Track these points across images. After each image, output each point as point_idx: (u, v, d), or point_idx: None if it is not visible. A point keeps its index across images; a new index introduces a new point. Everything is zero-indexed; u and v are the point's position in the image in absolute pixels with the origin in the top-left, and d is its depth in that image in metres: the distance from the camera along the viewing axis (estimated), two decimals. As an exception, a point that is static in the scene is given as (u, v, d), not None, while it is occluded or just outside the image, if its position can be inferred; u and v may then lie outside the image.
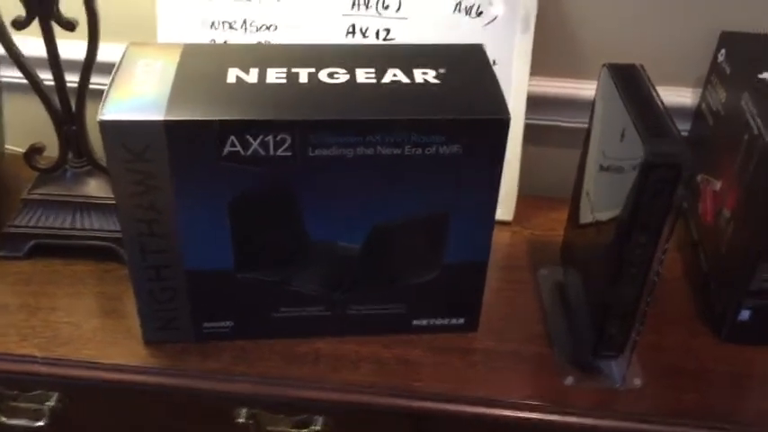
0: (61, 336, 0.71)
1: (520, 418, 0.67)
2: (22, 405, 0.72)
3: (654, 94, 0.62)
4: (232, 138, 0.58)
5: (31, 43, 0.73)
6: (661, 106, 0.61)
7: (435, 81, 0.63)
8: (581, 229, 0.74)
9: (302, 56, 0.65)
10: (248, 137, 0.58)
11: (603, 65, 0.67)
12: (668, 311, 0.76)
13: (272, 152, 0.59)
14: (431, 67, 0.64)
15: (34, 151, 0.78)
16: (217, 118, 0.58)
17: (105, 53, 0.72)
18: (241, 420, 0.71)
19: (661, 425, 0.66)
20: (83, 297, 0.75)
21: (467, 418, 0.68)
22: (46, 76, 0.75)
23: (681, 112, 0.85)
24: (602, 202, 0.67)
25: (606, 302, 0.64)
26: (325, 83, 0.62)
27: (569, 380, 0.69)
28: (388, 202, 0.63)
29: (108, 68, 0.63)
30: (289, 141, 0.59)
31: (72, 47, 0.74)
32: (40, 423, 0.72)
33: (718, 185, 0.77)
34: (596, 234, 0.68)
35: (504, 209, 0.86)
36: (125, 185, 0.60)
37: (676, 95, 0.87)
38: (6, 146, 0.87)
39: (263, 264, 0.66)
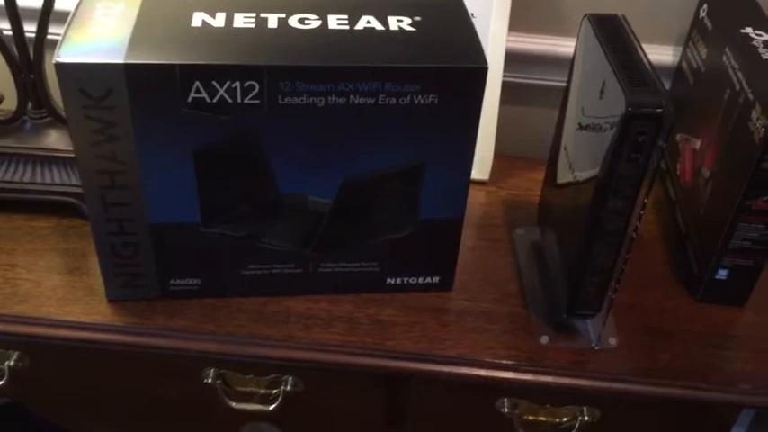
0: (20, 293, 0.68)
1: (494, 377, 0.66)
2: (-20, 365, 0.70)
3: (636, 45, 0.61)
4: (197, 84, 0.55)
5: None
6: (644, 57, 0.59)
7: (410, 29, 0.60)
8: (558, 189, 0.73)
9: (271, 0, 0.62)
10: (214, 83, 0.55)
11: (585, 15, 0.65)
12: (644, 272, 0.75)
13: (239, 100, 0.56)
14: (406, 15, 0.62)
15: (-9, 102, 0.75)
16: (180, 62, 0.55)
17: (65, 2, 0.69)
18: (209, 380, 0.69)
19: (636, 384, 0.66)
20: (44, 254, 0.72)
21: (441, 378, 0.67)
22: (4, 26, 0.71)
23: (662, 70, 0.82)
24: (581, 161, 0.65)
25: (582, 261, 0.63)
26: (295, 28, 0.59)
27: (544, 339, 0.68)
28: (361, 154, 0.61)
29: (67, 18, 0.59)
30: (257, 88, 0.56)
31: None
32: (0, 382, 0.69)
33: (697, 144, 0.76)
34: (574, 193, 0.67)
35: (480, 168, 0.84)
36: (84, 134, 0.57)
37: (658, 53, 0.85)
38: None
39: (231, 218, 0.64)
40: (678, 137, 0.81)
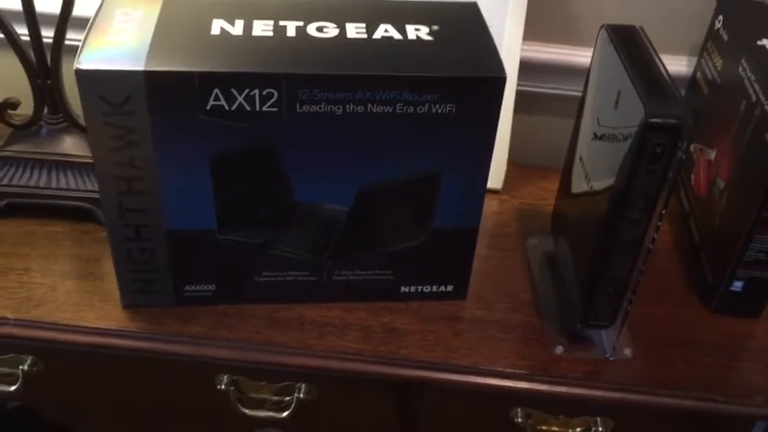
0: (35, 297, 0.68)
1: (508, 387, 0.66)
2: (-5, 369, 0.70)
3: (654, 55, 0.61)
4: (216, 91, 0.55)
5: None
6: (662, 67, 0.59)
7: (428, 38, 0.60)
8: (573, 199, 0.73)
9: (289, 8, 0.62)
10: (233, 90, 0.56)
11: (602, 26, 0.65)
12: (658, 282, 0.75)
13: (257, 107, 0.57)
14: (424, 24, 0.62)
15: (7, 106, 0.75)
16: (200, 69, 0.55)
17: (83, 8, 0.69)
18: (222, 387, 0.69)
19: (650, 395, 0.65)
20: (58, 258, 0.73)
21: (454, 387, 0.66)
22: (21, 31, 0.72)
23: (677, 80, 0.83)
24: (596, 171, 0.65)
25: (598, 272, 0.63)
26: (313, 37, 0.59)
27: (559, 349, 0.68)
28: (378, 162, 0.61)
29: (86, 24, 0.59)
30: (275, 96, 0.56)
31: (49, 0, 0.70)
32: (13, 387, 0.69)
33: (712, 155, 0.76)
34: (589, 203, 0.66)
35: (494, 177, 0.84)
36: (103, 140, 0.58)
37: (672, 63, 0.85)
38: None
39: (247, 225, 0.64)
40: (692, 147, 0.81)
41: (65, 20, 0.70)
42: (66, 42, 0.72)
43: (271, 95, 0.56)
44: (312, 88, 0.56)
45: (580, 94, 0.71)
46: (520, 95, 0.83)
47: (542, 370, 0.66)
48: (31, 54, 0.72)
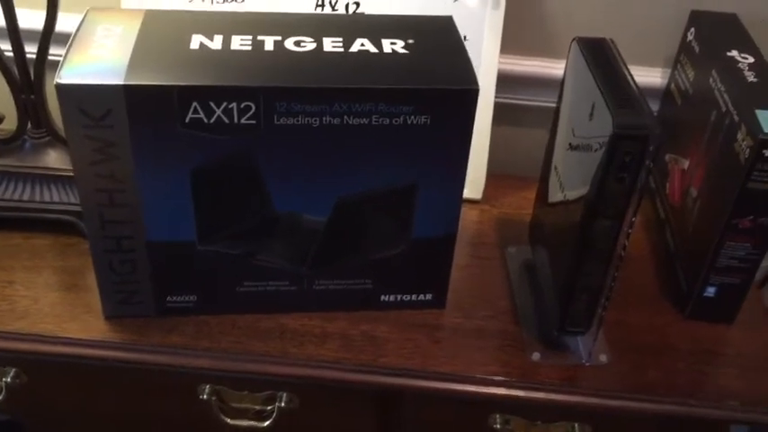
0: (18, 309, 0.69)
1: (486, 393, 0.67)
2: (-23, 381, 0.70)
3: (623, 67, 0.62)
4: (195, 104, 0.57)
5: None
6: (630, 80, 0.60)
7: (404, 51, 0.62)
8: (549, 208, 0.74)
9: (268, 23, 0.63)
10: (211, 104, 0.57)
11: (573, 39, 0.67)
12: (634, 289, 0.76)
13: (236, 120, 0.58)
14: (399, 38, 0.63)
15: (-9, 121, 0.76)
16: (179, 83, 0.56)
17: (66, 23, 0.70)
18: (204, 397, 0.70)
19: (627, 400, 0.66)
20: (41, 271, 0.73)
21: (433, 395, 0.67)
22: (5, 47, 0.73)
23: (651, 92, 0.85)
24: (571, 180, 0.67)
25: (573, 279, 0.64)
26: (291, 51, 0.60)
27: (536, 356, 0.69)
28: (355, 173, 0.62)
29: (68, 40, 0.61)
30: (253, 109, 0.57)
31: (32, 16, 0.72)
32: (-4, 399, 0.70)
33: (686, 164, 0.77)
34: (564, 212, 0.68)
35: (473, 188, 0.86)
36: (84, 153, 0.59)
37: (646, 75, 0.87)
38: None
39: (227, 236, 0.65)
40: (667, 157, 0.83)
41: (48, 36, 0.71)
42: (50, 58, 0.73)
43: (248, 108, 0.57)
44: (289, 101, 0.57)
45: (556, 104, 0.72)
46: (498, 107, 0.85)
47: (520, 376, 0.67)
48: (15, 70, 0.73)
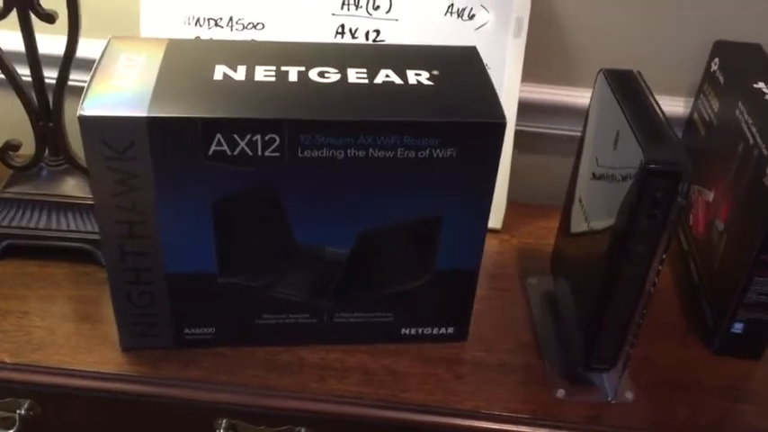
0: (33, 341, 0.68)
1: (509, 431, 0.65)
2: (-8, 413, 0.69)
3: (652, 99, 0.61)
4: (218, 136, 0.56)
5: (8, 36, 0.71)
6: (659, 112, 0.59)
7: (429, 83, 0.61)
8: (572, 239, 0.73)
9: (291, 54, 0.63)
10: (235, 136, 0.56)
11: (600, 70, 0.66)
12: (658, 323, 0.75)
13: (259, 152, 0.57)
14: (424, 69, 0.62)
15: (9, 148, 0.75)
16: (203, 115, 0.55)
17: (86, 49, 0.70)
18: (221, 431, 0.68)
19: (653, 439, 0.65)
20: (57, 301, 0.72)
21: (455, 431, 0.66)
22: (23, 72, 0.72)
23: (673, 121, 0.83)
24: (596, 211, 0.66)
25: (599, 314, 0.63)
26: (315, 82, 0.60)
27: (560, 392, 0.67)
28: (379, 206, 0.61)
29: (88, 65, 0.60)
30: (277, 141, 0.57)
31: (52, 41, 0.71)
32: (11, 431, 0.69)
33: (710, 196, 0.76)
34: (589, 243, 0.67)
35: (493, 217, 0.84)
36: (105, 185, 0.58)
37: (669, 105, 0.86)
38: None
39: (248, 268, 0.64)
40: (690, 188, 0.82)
41: (68, 62, 0.71)
42: (69, 83, 0.72)
43: (273, 141, 0.56)
44: (314, 134, 0.56)
45: (578, 133, 0.71)
46: (519, 135, 0.84)
47: (544, 413, 0.66)
48: (33, 96, 0.73)
